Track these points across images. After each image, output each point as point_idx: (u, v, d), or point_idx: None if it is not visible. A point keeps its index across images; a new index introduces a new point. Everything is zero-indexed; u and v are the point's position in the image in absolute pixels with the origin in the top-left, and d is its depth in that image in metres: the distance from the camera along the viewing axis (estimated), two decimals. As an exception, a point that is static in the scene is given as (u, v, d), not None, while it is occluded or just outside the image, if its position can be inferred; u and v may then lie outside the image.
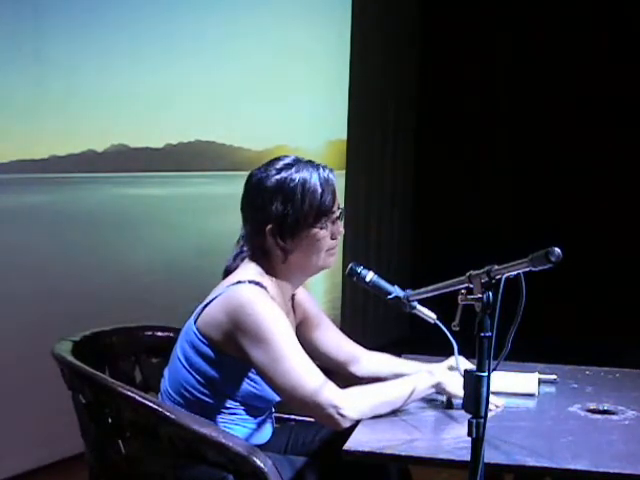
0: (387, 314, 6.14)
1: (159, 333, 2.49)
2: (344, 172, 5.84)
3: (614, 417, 2.06)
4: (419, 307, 2.21)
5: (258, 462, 1.87)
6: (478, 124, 6.74)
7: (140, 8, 4.28)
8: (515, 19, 6.55)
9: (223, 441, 1.90)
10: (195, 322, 2.08)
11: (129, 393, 2.00)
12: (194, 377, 2.08)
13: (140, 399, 1.99)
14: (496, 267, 1.68)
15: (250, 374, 2.06)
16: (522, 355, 2.17)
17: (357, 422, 1.94)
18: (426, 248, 6.67)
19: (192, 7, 4.50)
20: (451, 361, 2.24)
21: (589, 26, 6.40)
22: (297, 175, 2.09)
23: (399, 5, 6.37)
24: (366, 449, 1.81)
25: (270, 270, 2.13)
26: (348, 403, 1.95)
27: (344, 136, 5.93)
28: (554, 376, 2.33)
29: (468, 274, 1.74)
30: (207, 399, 2.08)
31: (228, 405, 2.09)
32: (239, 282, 2.05)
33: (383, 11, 6.15)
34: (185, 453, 1.95)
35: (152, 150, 4.46)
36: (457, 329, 1.88)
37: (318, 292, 5.65)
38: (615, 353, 3.44)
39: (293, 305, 2.28)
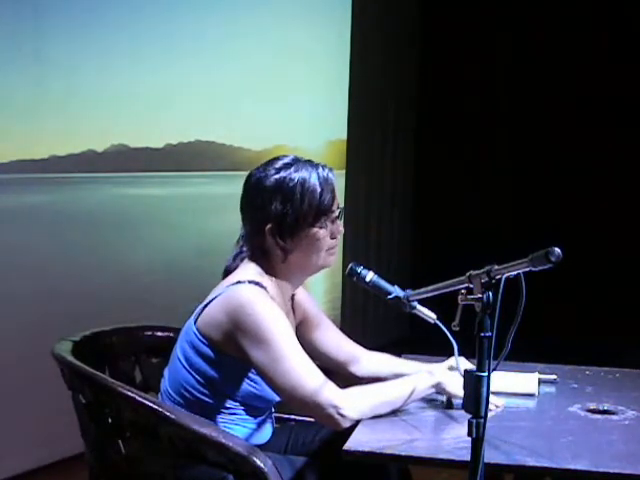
0: (387, 314, 6.14)
1: (159, 333, 2.49)
2: (344, 172, 5.84)
3: (614, 417, 2.06)
4: (419, 307, 2.21)
5: (258, 462, 1.87)
6: (478, 124, 6.74)
7: (140, 8, 4.28)
8: (515, 19, 6.55)
9: (223, 441, 1.90)
10: (195, 322, 2.08)
11: (129, 393, 2.00)
12: (194, 377, 2.08)
13: (140, 399, 1.99)
14: (496, 267, 1.68)
15: (250, 374, 2.06)
16: (522, 355, 2.17)
17: (357, 422, 1.94)
18: (426, 248, 6.67)
19: (192, 7, 4.50)
20: (451, 361, 2.24)
21: (589, 26, 6.40)
22: (296, 174, 2.09)
23: (399, 5, 6.37)
24: (366, 449, 1.81)
25: (270, 270, 2.13)
26: (348, 403, 1.94)
27: (344, 136, 5.93)
28: (554, 376, 2.33)
29: (468, 274, 1.74)
30: (207, 399, 2.08)
31: (228, 405, 2.09)
32: (239, 282, 2.05)
33: (383, 11, 6.15)
34: (185, 453, 1.95)
35: (152, 150, 4.46)
36: (457, 329, 1.88)
37: (318, 292, 5.65)
38: (615, 353, 3.44)
39: (293, 305, 2.28)
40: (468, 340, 1.79)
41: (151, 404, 1.98)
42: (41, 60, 3.76)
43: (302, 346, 2.03)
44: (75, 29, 3.92)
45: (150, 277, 4.30)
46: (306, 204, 2.08)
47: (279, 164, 2.12)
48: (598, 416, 2.06)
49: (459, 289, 1.80)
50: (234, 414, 2.10)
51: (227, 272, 2.16)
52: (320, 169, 2.12)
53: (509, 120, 6.72)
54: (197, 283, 2.70)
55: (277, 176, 2.09)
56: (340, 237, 2.17)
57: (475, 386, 1.64)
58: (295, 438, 2.32)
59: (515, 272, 1.64)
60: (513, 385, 2.22)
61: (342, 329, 2.41)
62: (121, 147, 4.27)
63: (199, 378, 2.07)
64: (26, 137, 3.77)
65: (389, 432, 1.92)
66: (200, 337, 2.06)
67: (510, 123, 6.72)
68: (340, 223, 2.16)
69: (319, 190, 2.09)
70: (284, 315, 2.05)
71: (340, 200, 2.17)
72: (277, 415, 2.31)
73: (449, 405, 2.09)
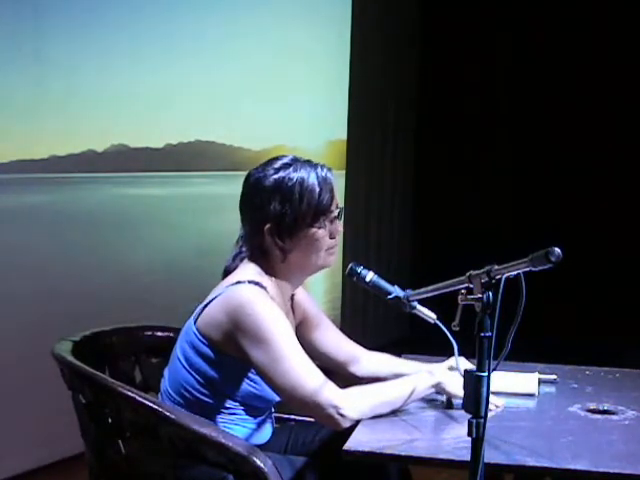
0: (387, 314, 6.14)
1: (159, 333, 2.49)
2: (344, 172, 5.84)
3: (614, 417, 2.06)
4: (419, 307, 2.21)
5: (258, 462, 1.87)
6: (478, 124, 6.74)
7: (140, 8, 4.28)
8: (515, 20, 6.55)
9: (223, 441, 1.90)
10: (195, 322, 2.08)
11: (129, 393, 2.00)
12: (194, 377, 2.08)
13: (140, 399, 1.99)
14: (496, 267, 1.68)
15: (250, 374, 2.06)
16: (522, 355, 2.17)
17: (357, 422, 1.94)
18: (426, 248, 6.67)
19: (192, 7, 4.50)
20: (451, 361, 2.24)
21: (589, 26, 6.40)
22: (295, 174, 2.09)
23: (399, 6, 6.37)
24: (366, 449, 1.81)
25: (269, 270, 2.13)
26: (348, 403, 1.94)
27: (344, 136, 5.93)
28: (554, 376, 2.33)
29: (468, 274, 1.74)
30: (207, 399, 2.08)
31: (228, 405, 2.09)
32: (239, 282, 2.05)
33: (383, 12, 6.15)
34: (185, 453, 1.95)
35: (152, 150, 4.46)
36: (457, 329, 1.88)
37: (318, 292, 5.65)
38: (615, 353, 3.44)
39: (293, 305, 2.28)
40: (468, 340, 1.79)
41: (151, 404, 1.98)
42: (41, 60, 3.76)
43: (302, 346, 2.03)
44: (75, 29, 3.93)
45: (150, 277, 4.30)
46: (305, 204, 2.08)
47: (278, 164, 2.12)
48: (598, 416, 2.06)
49: (459, 289, 1.80)
50: (234, 414, 2.10)
51: (227, 272, 2.16)
52: (319, 169, 2.12)
53: (509, 120, 6.72)
54: (197, 283, 2.70)
55: (276, 176, 2.09)
56: (339, 237, 2.17)
57: (475, 386, 1.64)
58: (295, 438, 2.32)
59: (515, 272, 1.64)
60: (513, 385, 2.22)
61: (342, 329, 2.41)
62: (121, 147, 4.27)
63: (199, 378, 2.07)
64: (26, 137, 3.77)
65: (389, 432, 1.92)
66: (200, 337, 2.06)
67: (510, 123, 6.72)
68: (339, 223, 2.16)
69: (318, 190, 2.09)
70: (284, 315, 2.05)
71: (340, 200, 2.17)
72: (277, 415, 2.31)
73: (449, 405, 2.09)
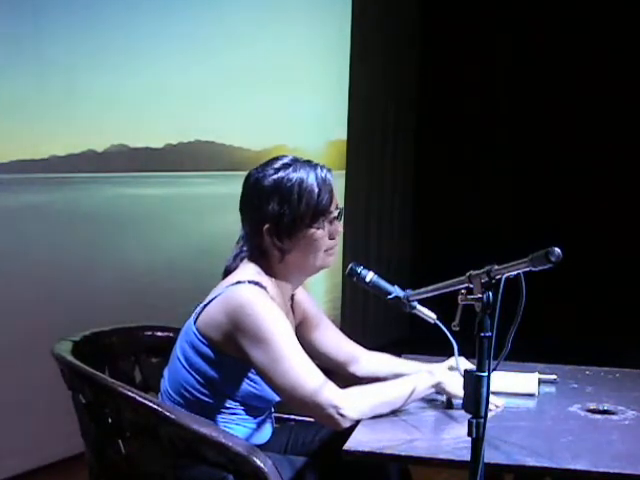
0: (387, 314, 6.14)
1: (159, 333, 2.49)
2: (344, 172, 5.84)
3: (614, 417, 2.06)
4: (419, 307, 2.21)
5: (258, 462, 1.87)
6: (478, 125, 6.74)
7: (140, 8, 4.28)
8: (515, 21, 6.55)
9: (223, 441, 1.90)
10: (195, 322, 2.08)
11: (129, 393, 2.00)
12: (194, 377, 2.08)
13: (140, 399, 1.99)
14: (496, 267, 1.68)
15: (250, 374, 2.06)
16: (522, 355, 2.17)
17: (357, 422, 1.94)
18: (426, 248, 6.67)
19: (192, 7, 4.50)
20: (451, 361, 2.24)
21: (589, 27, 6.40)
22: (294, 175, 2.09)
23: (399, 6, 6.37)
24: (366, 449, 1.81)
25: (269, 270, 2.13)
26: (348, 403, 1.94)
27: (344, 136, 5.93)
28: (554, 376, 2.33)
29: (468, 274, 1.74)
30: (207, 399, 2.08)
31: (228, 405, 2.09)
32: (238, 282, 2.05)
33: (383, 12, 6.15)
34: (185, 453, 1.95)
35: (152, 150, 4.46)
36: (457, 329, 1.88)
37: (318, 292, 5.65)
38: (615, 353, 3.43)
39: (292, 305, 2.28)
40: (468, 340, 1.79)
41: (151, 404, 1.98)
42: (41, 60, 3.76)
43: (302, 346, 2.03)
44: (75, 29, 3.93)
45: (150, 277, 4.30)
46: (303, 204, 2.08)
47: (278, 164, 2.12)
48: (598, 416, 2.06)
49: (459, 289, 1.80)
50: (234, 414, 2.10)
51: (227, 272, 2.16)
52: (318, 169, 2.12)
53: (509, 120, 6.72)
54: (197, 283, 2.70)
55: (275, 176, 2.09)
56: (339, 238, 2.16)
57: (475, 386, 1.64)
58: (295, 438, 2.32)
59: (515, 272, 1.64)
60: (513, 385, 2.22)
61: (342, 329, 2.41)
62: (121, 147, 4.27)
63: (199, 378, 2.07)
64: (26, 137, 3.77)
65: (389, 432, 1.92)
66: (200, 337, 2.06)
67: (510, 124, 6.72)
68: (339, 224, 2.15)
69: (317, 190, 2.09)
70: (284, 315, 2.04)
71: (340, 200, 2.17)
72: (277, 415, 2.31)
73: (449, 405, 2.09)
